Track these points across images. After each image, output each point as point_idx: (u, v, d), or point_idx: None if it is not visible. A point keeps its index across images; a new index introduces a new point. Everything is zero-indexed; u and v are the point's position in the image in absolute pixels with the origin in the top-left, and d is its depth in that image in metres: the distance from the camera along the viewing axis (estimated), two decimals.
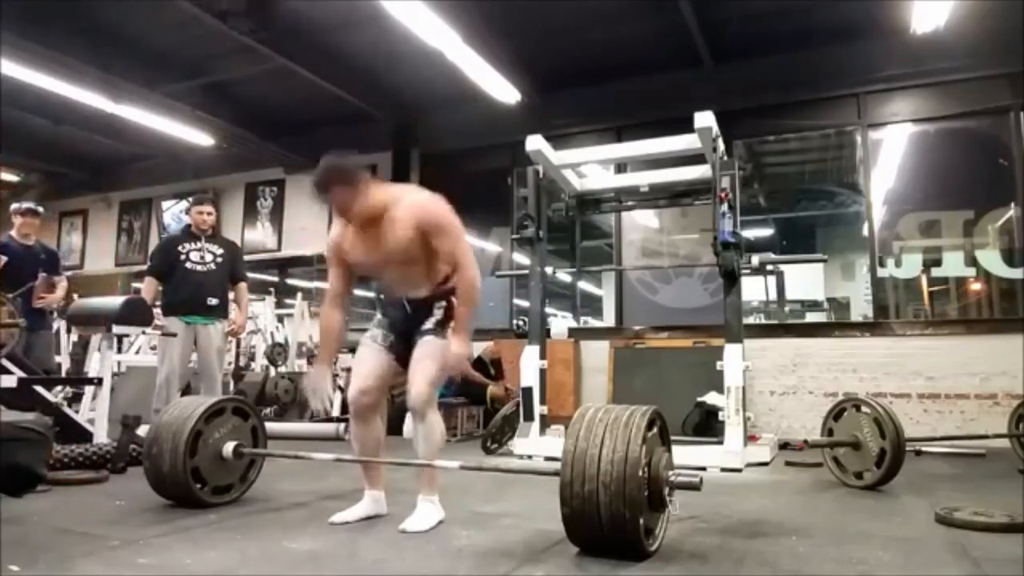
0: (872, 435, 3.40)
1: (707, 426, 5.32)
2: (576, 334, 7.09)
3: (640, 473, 1.99)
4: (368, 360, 2.64)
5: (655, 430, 2.18)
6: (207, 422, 2.82)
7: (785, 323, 6.94)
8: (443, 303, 2.57)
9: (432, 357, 2.50)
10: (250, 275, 5.36)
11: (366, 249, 2.55)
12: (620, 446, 2.01)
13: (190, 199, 6.97)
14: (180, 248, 4.78)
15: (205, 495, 2.80)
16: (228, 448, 2.85)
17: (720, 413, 4.70)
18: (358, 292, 2.76)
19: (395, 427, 4.53)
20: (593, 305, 10.69)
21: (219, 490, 2.88)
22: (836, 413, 3.65)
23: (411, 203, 2.50)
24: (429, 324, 2.56)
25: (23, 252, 4.95)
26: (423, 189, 2.63)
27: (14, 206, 5.12)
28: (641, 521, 2.00)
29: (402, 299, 2.60)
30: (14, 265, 4.84)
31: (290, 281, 9.66)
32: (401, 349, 2.63)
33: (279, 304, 8.48)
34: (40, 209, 5.21)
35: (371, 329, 2.71)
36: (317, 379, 2.66)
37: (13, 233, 5.00)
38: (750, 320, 7.46)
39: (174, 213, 9.67)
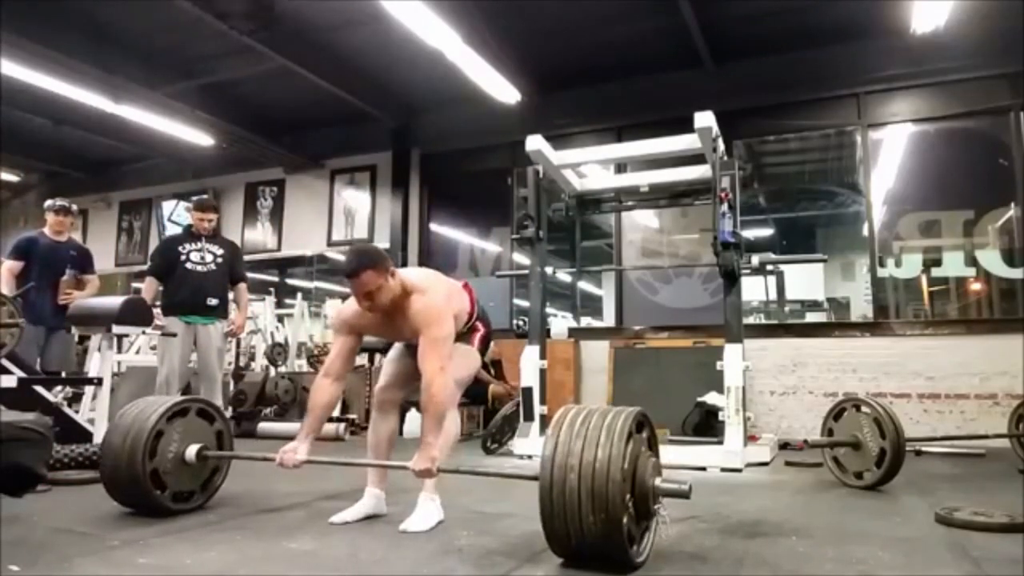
0: (872, 435, 3.40)
1: (707, 426, 5.31)
2: (576, 334, 7.09)
3: (624, 496, 1.88)
4: (393, 361, 2.80)
5: (643, 434, 2.09)
6: (170, 421, 2.67)
7: (785, 323, 6.94)
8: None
9: (454, 360, 2.56)
10: (250, 275, 5.37)
11: (382, 325, 2.60)
12: (601, 464, 1.87)
13: (191, 200, 6.97)
14: (180, 248, 4.79)
15: (164, 500, 2.63)
16: (191, 452, 2.70)
17: (720, 413, 4.70)
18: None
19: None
20: (593, 305, 10.68)
21: (179, 497, 2.70)
22: (836, 413, 3.65)
23: (414, 305, 2.49)
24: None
25: (53, 248, 4.97)
26: (434, 286, 2.55)
27: (48, 203, 5.15)
28: (625, 531, 1.89)
29: None
30: (43, 261, 4.87)
31: (290, 281, 9.67)
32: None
33: (279, 304, 8.49)
34: (74, 207, 5.25)
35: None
36: (290, 451, 2.52)
37: (46, 230, 5.03)
38: (750, 320, 7.46)
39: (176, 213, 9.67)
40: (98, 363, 4.90)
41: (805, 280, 8.19)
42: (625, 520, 1.89)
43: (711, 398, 5.33)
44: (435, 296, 2.52)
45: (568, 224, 5.69)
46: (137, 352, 6.70)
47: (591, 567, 1.97)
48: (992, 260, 5.94)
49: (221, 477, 2.92)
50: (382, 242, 8.16)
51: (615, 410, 2.03)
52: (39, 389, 4.06)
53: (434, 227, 8.32)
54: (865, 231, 6.33)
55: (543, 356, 4.93)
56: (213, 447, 2.84)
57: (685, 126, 4.37)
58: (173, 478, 2.68)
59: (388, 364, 2.80)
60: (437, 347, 2.43)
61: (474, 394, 6.18)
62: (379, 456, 2.69)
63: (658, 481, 2.03)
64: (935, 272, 6.18)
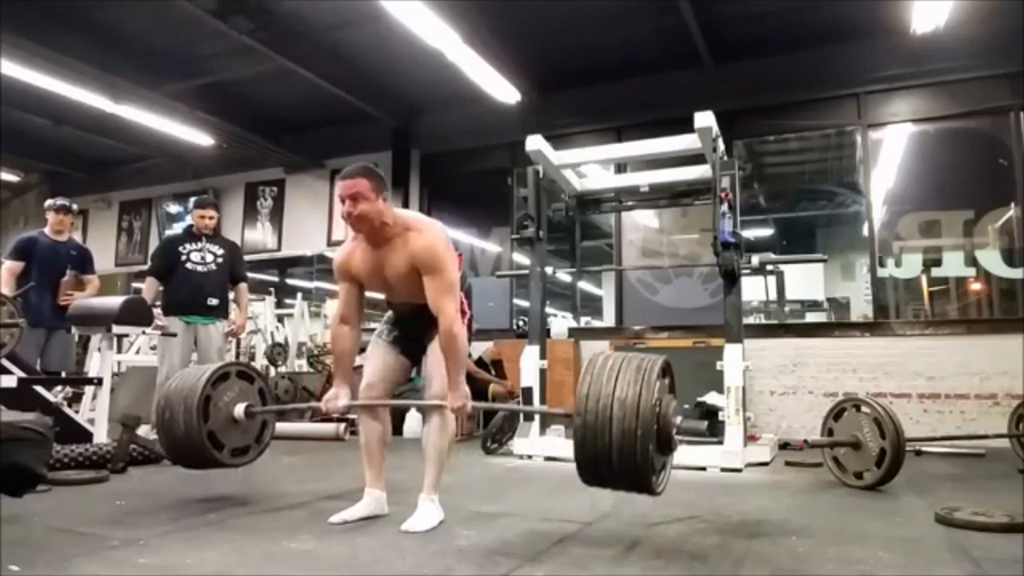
0: (872, 435, 3.40)
1: (707, 426, 5.31)
2: (576, 334, 7.09)
3: (652, 429, 2.03)
4: (375, 356, 2.70)
5: (666, 379, 2.24)
6: (214, 386, 2.82)
7: (785, 323, 6.94)
8: None
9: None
10: (250, 275, 5.36)
11: (373, 267, 2.57)
12: (635, 378, 2.07)
13: (191, 199, 6.99)
14: (181, 248, 4.80)
15: (224, 457, 2.83)
16: (239, 410, 2.85)
17: (720, 413, 4.70)
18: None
19: (395, 427, 4.53)
20: (593, 305, 10.69)
21: (236, 452, 2.90)
22: (836, 413, 3.65)
23: (415, 242, 2.48)
24: None
25: (53, 248, 4.96)
26: (434, 225, 2.57)
27: (48, 202, 5.13)
28: (651, 448, 2.03)
29: (409, 305, 2.62)
30: (43, 261, 4.86)
31: (290, 281, 9.67)
32: (409, 344, 2.68)
33: (279, 304, 8.50)
34: (74, 206, 5.24)
35: (379, 326, 2.76)
36: (332, 398, 2.61)
37: (46, 230, 5.02)
38: (750, 320, 7.46)
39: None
40: (98, 363, 4.90)
41: (805, 280, 8.20)
42: (651, 436, 2.05)
43: (711, 398, 5.32)
44: (439, 239, 2.49)
45: (568, 224, 5.70)
46: (137, 352, 6.71)
47: (609, 478, 2.09)
48: (992, 260, 5.94)
49: (270, 432, 3.09)
50: None
51: (644, 355, 2.20)
52: (39, 389, 4.06)
53: None
54: (865, 231, 6.33)
55: (543, 356, 4.93)
56: (257, 404, 2.99)
57: (685, 126, 4.36)
58: (226, 436, 2.84)
59: (370, 361, 2.70)
60: (449, 291, 2.45)
61: (473, 394, 6.18)
62: (372, 458, 2.66)
63: (678, 420, 2.19)
64: (935, 272, 6.17)
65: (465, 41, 5.71)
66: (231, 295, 5.02)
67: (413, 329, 2.67)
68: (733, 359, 4.32)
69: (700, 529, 2.53)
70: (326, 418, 6.19)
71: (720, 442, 4.26)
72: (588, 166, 5.79)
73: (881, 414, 3.38)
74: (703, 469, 4.06)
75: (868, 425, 3.43)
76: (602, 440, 2.02)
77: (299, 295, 8.23)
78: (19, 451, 2.25)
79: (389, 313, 2.76)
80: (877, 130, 6.37)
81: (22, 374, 4.00)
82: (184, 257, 4.76)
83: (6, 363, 3.95)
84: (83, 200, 10.48)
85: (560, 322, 7.97)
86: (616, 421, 2.01)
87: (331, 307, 8.49)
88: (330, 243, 8.62)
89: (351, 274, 2.61)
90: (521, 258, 7.41)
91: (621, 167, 6.42)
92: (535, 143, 4.77)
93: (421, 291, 2.47)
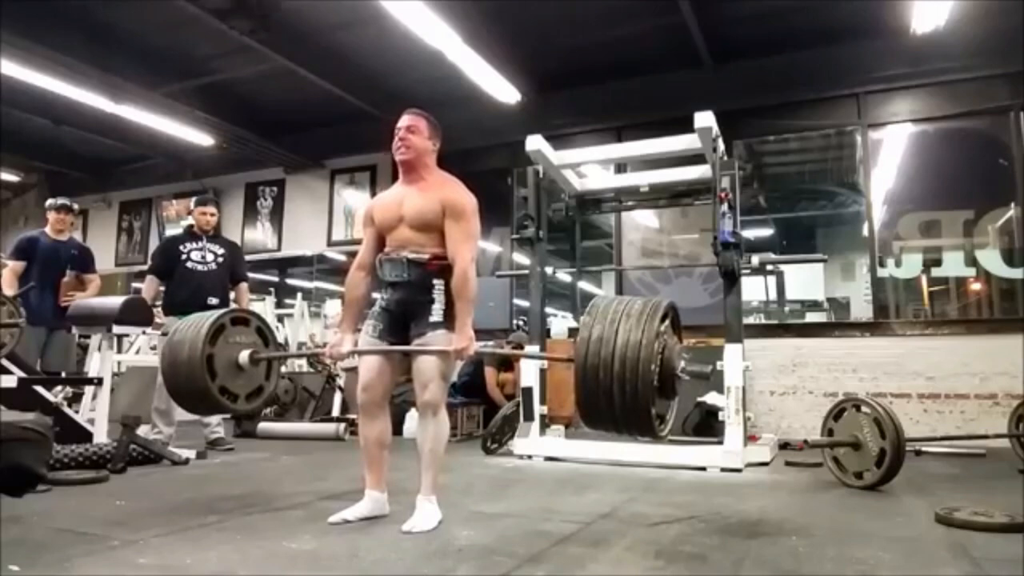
0: (872, 435, 3.40)
1: (707, 426, 5.32)
2: (576, 334, 7.06)
3: (652, 371, 2.03)
4: (367, 357, 2.66)
5: (671, 324, 2.24)
6: (232, 324, 2.84)
7: (785, 323, 6.93)
8: (442, 282, 2.58)
9: (439, 352, 2.52)
10: (250, 275, 5.36)
11: (395, 201, 2.67)
12: (638, 320, 2.08)
13: (193, 200, 6.99)
14: (181, 248, 4.80)
15: (214, 389, 2.78)
16: (244, 355, 2.84)
17: (720, 413, 4.70)
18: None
19: (395, 427, 4.53)
20: None
21: (228, 394, 2.86)
22: (836, 413, 3.65)
23: (450, 190, 2.64)
24: (433, 316, 2.56)
25: (54, 248, 4.96)
26: (466, 188, 2.73)
27: (49, 202, 5.15)
28: (652, 403, 2.03)
29: (403, 259, 2.59)
30: (44, 261, 4.86)
31: (290, 281, 9.68)
32: (397, 332, 2.64)
33: (279, 304, 8.51)
34: (75, 206, 5.24)
35: (366, 322, 2.73)
36: (336, 344, 2.67)
37: (47, 229, 5.02)
38: (750, 320, 7.46)
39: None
40: (98, 363, 4.91)
41: (805, 280, 8.21)
42: (652, 390, 2.05)
43: (711, 398, 5.33)
44: (473, 202, 2.65)
45: (568, 224, 5.69)
46: (137, 352, 6.71)
47: (609, 420, 2.12)
48: (992, 260, 5.94)
49: (272, 383, 3.09)
50: None
51: (647, 298, 2.23)
52: (39, 389, 4.06)
53: None
54: (865, 231, 6.32)
55: None
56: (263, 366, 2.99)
57: (685, 126, 4.36)
58: (224, 377, 2.83)
59: (363, 361, 2.67)
60: (469, 239, 2.58)
61: (475, 390, 6.17)
62: (371, 461, 2.64)
63: (682, 363, 2.22)
64: (935, 272, 6.17)
65: (465, 41, 5.71)
66: (231, 295, 5.03)
67: (399, 312, 2.62)
68: (733, 359, 4.32)
69: (700, 529, 2.52)
70: (326, 418, 6.20)
71: (720, 442, 4.27)
72: (588, 166, 5.79)
73: (881, 414, 3.38)
74: (703, 469, 4.06)
75: (868, 425, 3.43)
76: (604, 381, 2.01)
77: (299, 295, 8.24)
78: (19, 451, 2.25)
79: (374, 307, 2.74)
80: (877, 130, 6.36)
81: (22, 374, 4.00)
82: (184, 256, 4.76)
83: (6, 363, 3.95)
84: (83, 200, 10.45)
85: (560, 322, 7.96)
86: (618, 361, 2.00)
87: (331, 307, 8.50)
88: (330, 243, 8.63)
89: (374, 218, 2.72)
90: (521, 258, 7.40)
91: (621, 167, 6.42)
92: (535, 143, 4.77)
93: (426, 233, 2.57)
